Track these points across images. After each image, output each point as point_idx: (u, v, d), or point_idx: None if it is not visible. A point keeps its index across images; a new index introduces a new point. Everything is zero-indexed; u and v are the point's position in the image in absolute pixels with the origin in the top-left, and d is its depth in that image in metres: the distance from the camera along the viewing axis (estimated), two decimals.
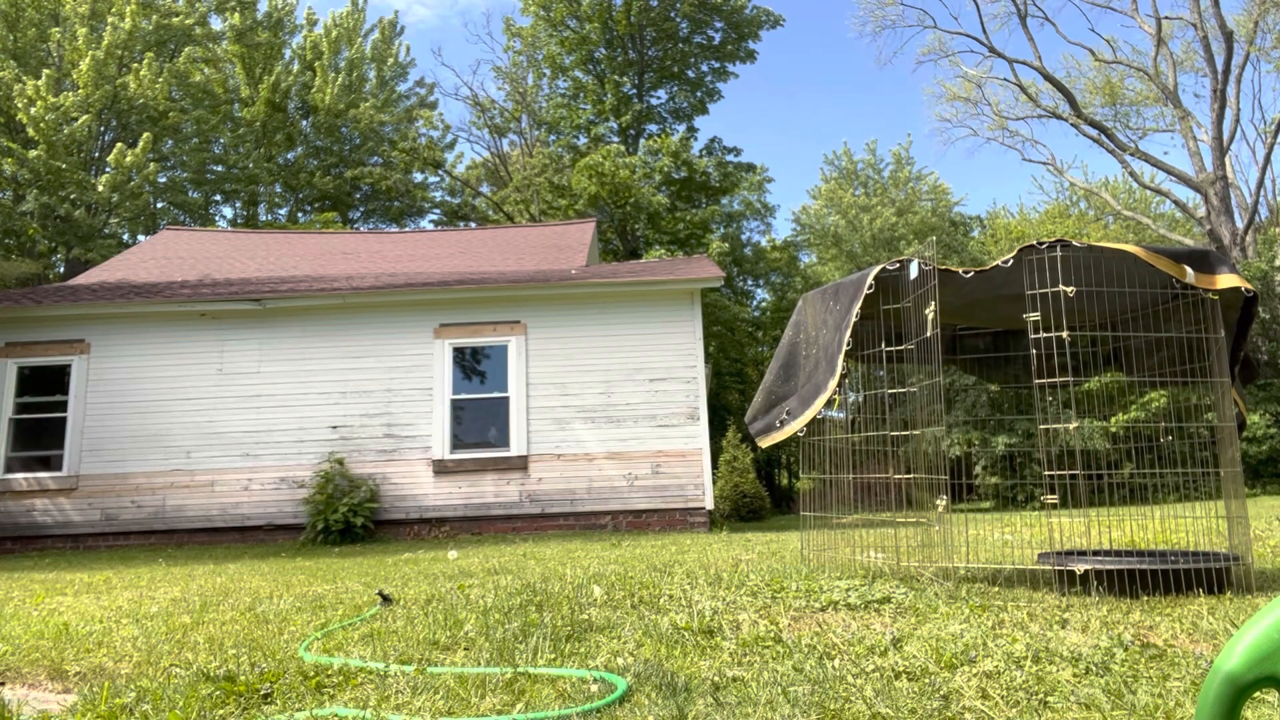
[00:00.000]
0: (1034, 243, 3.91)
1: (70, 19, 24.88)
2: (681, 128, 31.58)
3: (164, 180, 28.11)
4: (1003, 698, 2.04)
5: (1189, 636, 2.71)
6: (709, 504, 11.24)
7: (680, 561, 5.62)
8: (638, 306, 11.88)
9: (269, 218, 32.01)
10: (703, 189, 29.19)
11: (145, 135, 24.09)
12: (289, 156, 32.38)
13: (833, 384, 4.31)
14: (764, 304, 33.97)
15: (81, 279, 15.46)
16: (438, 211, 35.17)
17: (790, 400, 4.74)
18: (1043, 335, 3.79)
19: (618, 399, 11.50)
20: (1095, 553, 4.05)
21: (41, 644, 3.25)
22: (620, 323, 11.79)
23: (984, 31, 32.93)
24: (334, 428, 11.40)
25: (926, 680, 2.21)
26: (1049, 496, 3.83)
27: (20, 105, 22.77)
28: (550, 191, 30.22)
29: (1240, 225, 24.26)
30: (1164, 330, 4.35)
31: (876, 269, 4.34)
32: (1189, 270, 3.87)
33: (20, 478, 11.33)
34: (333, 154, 32.45)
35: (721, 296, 25.81)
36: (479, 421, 11.71)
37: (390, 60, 34.28)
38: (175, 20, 25.97)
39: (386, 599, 4.06)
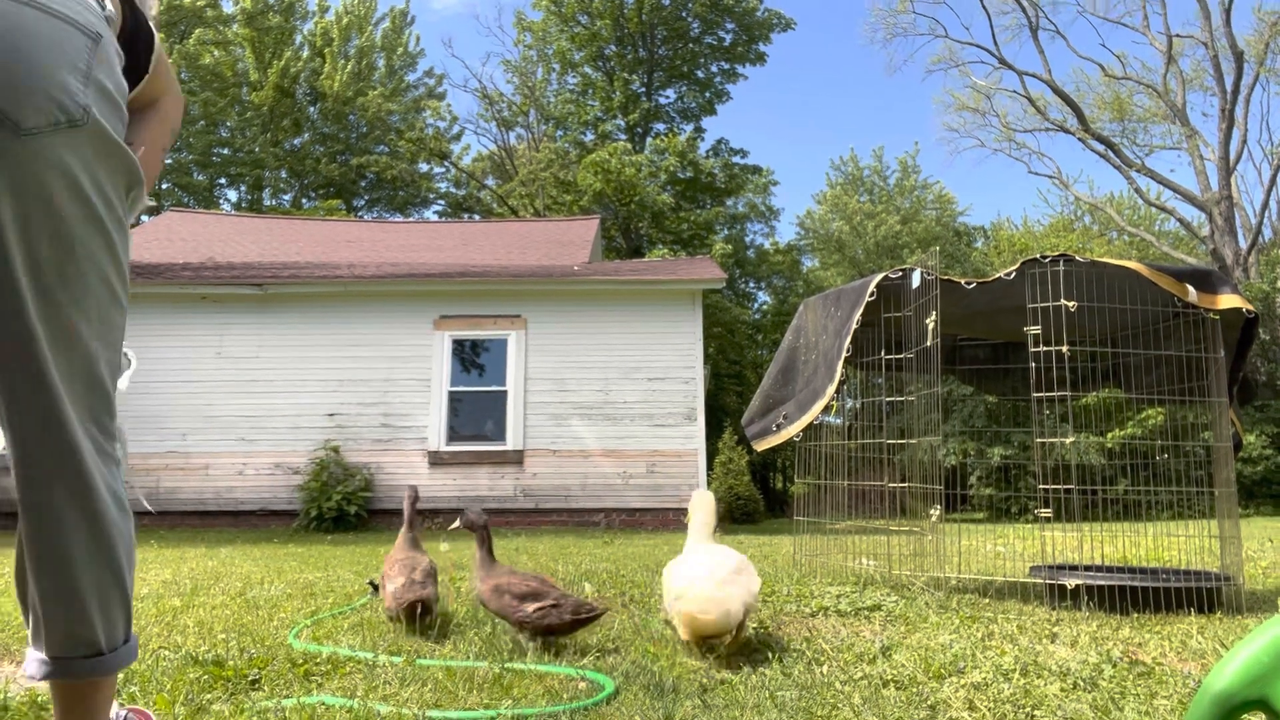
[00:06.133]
0: (1037, 256, 3.91)
1: None
2: (689, 128, 31.58)
3: (169, 161, 28.07)
4: (990, 709, 2.04)
5: (1177, 655, 2.72)
6: None
7: None
8: (639, 305, 11.88)
9: (273, 203, 31.99)
10: (708, 189, 29.17)
11: None
12: (295, 142, 32.36)
13: (831, 390, 4.31)
14: (765, 307, 33.95)
15: None
16: (442, 203, 35.16)
17: (787, 405, 4.74)
18: (1043, 349, 3.79)
19: (615, 397, 11.50)
20: (1087, 568, 4.05)
21: None
22: (621, 321, 11.79)
23: (995, 43, 32.97)
24: (331, 415, 11.40)
25: (914, 689, 2.21)
26: (1043, 510, 3.83)
27: None
28: (555, 187, 30.20)
29: (1244, 246, 24.27)
30: (1164, 348, 4.35)
31: (879, 277, 4.34)
32: (1191, 289, 3.88)
33: None
34: (339, 141, 32.43)
35: (722, 298, 25.80)
36: (476, 414, 11.71)
37: (400, 50, 34.26)
38: (186, 2, 25.94)
39: (377, 588, 4.06)
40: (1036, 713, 2.03)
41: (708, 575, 2.57)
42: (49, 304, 1.07)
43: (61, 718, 1.21)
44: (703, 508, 3.02)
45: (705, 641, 2.55)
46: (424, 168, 34.25)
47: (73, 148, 1.04)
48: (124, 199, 1.15)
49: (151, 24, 1.33)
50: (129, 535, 1.25)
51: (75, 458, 1.15)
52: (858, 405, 5.17)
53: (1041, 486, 3.82)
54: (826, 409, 4.40)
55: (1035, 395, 3.89)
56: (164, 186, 29.80)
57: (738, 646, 2.59)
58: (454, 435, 11.49)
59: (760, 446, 4.89)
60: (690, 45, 31.40)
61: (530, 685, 2.24)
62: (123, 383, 1.32)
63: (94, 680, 1.21)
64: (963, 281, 4.14)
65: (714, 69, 31.87)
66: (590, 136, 31.16)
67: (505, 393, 11.53)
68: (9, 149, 0.99)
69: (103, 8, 1.19)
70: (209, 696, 2.12)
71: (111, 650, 1.22)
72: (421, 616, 2.90)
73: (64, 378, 1.12)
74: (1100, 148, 27.33)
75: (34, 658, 1.21)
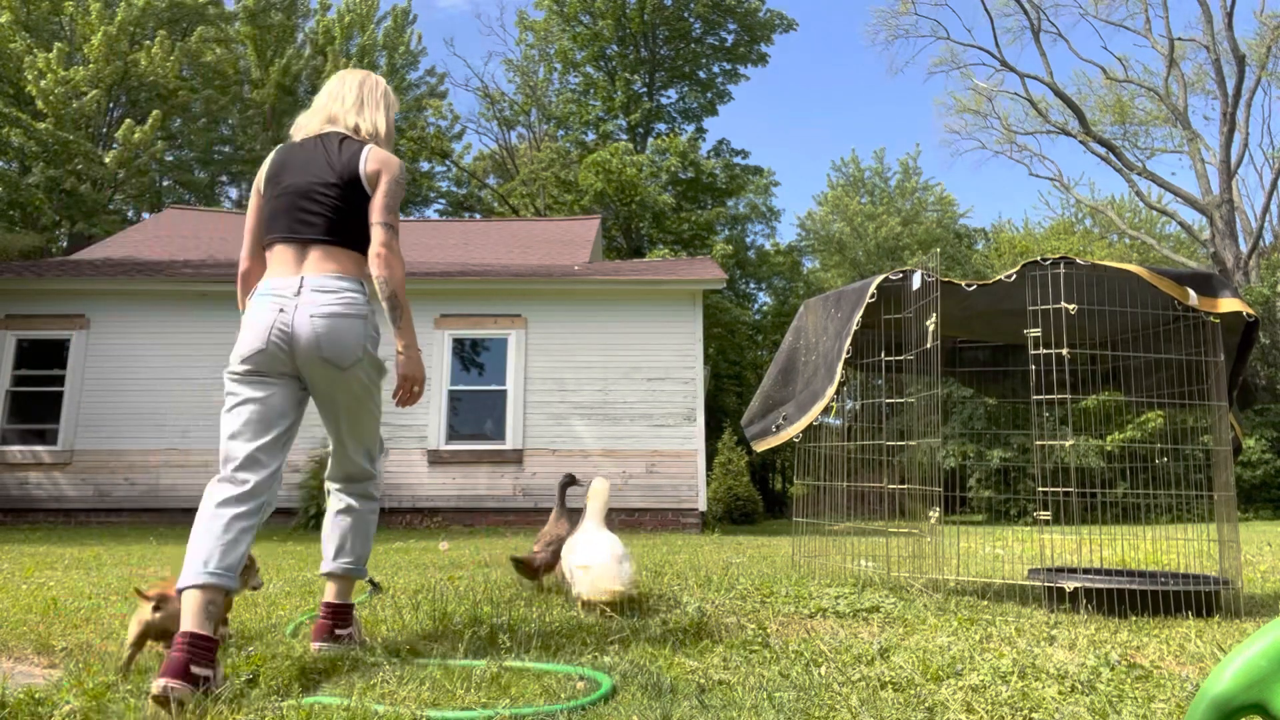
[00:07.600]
0: (1038, 258, 3.90)
1: None
2: (690, 128, 31.55)
3: (171, 159, 28.07)
4: (988, 712, 2.04)
5: (1175, 659, 2.71)
6: (702, 505, 11.25)
7: (671, 562, 5.62)
8: (639, 305, 11.88)
9: None
10: (709, 190, 29.15)
11: (154, 113, 24.04)
12: None
13: (830, 391, 4.31)
14: (765, 308, 33.94)
15: (84, 254, 15.45)
16: (443, 201, 35.12)
17: (787, 406, 4.74)
18: (1043, 351, 3.79)
19: (615, 397, 11.50)
20: (1085, 571, 4.05)
21: (29, 618, 3.25)
22: (621, 320, 11.79)
23: (996, 45, 33.02)
24: None
25: (912, 691, 2.21)
26: (1042, 512, 3.83)
27: (30, 77, 22.72)
28: (556, 186, 30.19)
29: (1244, 249, 24.28)
30: (1164, 351, 4.35)
31: (879, 279, 4.34)
32: (1191, 293, 3.88)
33: (15, 450, 11.33)
34: None
35: (723, 299, 25.78)
36: (475, 413, 11.71)
37: (402, 48, 34.22)
38: (189, 0, 25.94)
39: (376, 587, 4.06)
40: (1034, 715, 2.03)
41: (611, 553, 3.28)
42: (350, 421, 2.66)
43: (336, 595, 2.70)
44: (600, 496, 3.53)
45: (596, 605, 3.21)
46: (425, 166, 34.24)
47: (359, 368, 2.53)
48: (379, 377, 2.61)
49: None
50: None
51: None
52: (857, 407, 5.17)
53: (1041, 489, 3.82)
54: (826, 410, 4.40)
55: (1035, 398, 3.89)
56: (165, 183, 29.80)
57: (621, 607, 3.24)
58: (453, 434, 11.49)
59: (760, 447, 4.89)
60: (692, 45, 31.37)
61: (528, 684, 2.24)
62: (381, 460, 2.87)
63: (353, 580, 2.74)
64: (963, 284, 4.14)
65: (715, 69, 31.85)
66: (592, 136, 31.14)
67: (505, 392, 11.53)
68: (338, 375, 2.51)
69: (365, 299, 2.54)
70: None
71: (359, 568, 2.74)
72: (527, 572, 3.91)
73: (355, 443, 2.70)
74: (1101, 150, 27.34)
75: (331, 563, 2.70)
